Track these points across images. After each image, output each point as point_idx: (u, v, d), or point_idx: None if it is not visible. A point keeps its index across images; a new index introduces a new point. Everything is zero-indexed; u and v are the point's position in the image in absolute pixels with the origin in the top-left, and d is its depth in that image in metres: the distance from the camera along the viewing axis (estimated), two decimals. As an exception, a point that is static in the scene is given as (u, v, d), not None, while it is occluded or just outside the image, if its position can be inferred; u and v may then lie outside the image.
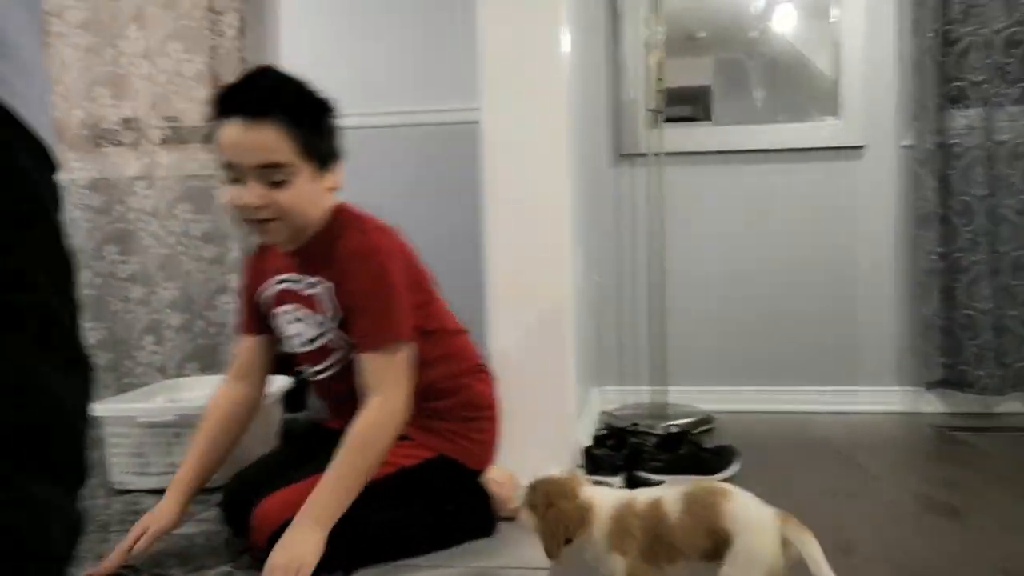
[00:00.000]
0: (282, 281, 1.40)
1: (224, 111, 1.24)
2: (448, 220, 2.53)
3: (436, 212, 2.54)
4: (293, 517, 1.19)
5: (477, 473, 1.41)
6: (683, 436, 1.67)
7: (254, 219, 1.27)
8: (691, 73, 2.51)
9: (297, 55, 2.58)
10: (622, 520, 0.99)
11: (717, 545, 0.93)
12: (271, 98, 1.25)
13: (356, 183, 2.53)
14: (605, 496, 1.04)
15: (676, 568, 0.96)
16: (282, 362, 1.51)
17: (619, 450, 1.64)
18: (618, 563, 0.98)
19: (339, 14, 2.56)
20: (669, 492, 1.00)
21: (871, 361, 2.49)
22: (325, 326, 1.34)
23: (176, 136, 2.58)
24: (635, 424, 1.86)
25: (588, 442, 1.83)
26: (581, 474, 1.12)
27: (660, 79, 2.26)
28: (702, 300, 2.52)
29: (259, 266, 1.46)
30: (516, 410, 1.66)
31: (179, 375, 2.55)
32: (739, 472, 1.68)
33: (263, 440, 1.95)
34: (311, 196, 1.30)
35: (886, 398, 2.48)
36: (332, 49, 2.57)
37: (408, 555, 1.29)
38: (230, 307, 2.56)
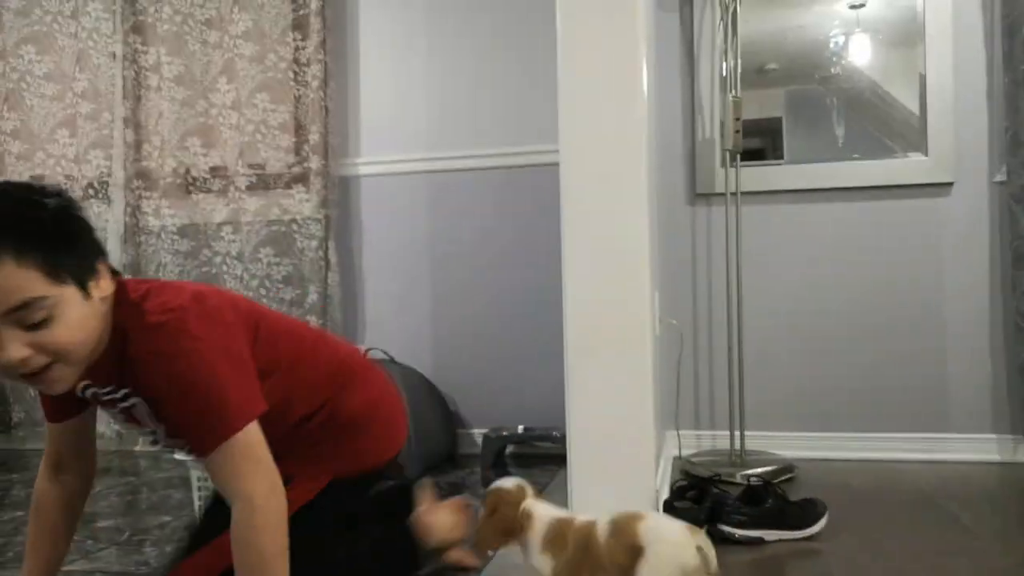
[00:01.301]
0: (88, 387, 1.13)
1: None
2: (530, 262, 2.55)
3: (518, 254, 2.57)
4: None
5: (380, 472, 1.34)
6: (768, 488, 1.62)
7: (27, 373, 0.99)
8: (761, 106, 2.48)
9: (378, 102, 2.67)
10: (559, 529, 1.19)
11: (633, 560, 1.09)
12: None
13: (439, 225, 2.61)
14: (545, 509, 1.24)
15: None
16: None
17: (700, 503, 1.60)
18: (547, 564, 1.17)
19: (419, 61, 2.64)
20: (601, 518, 1.18)
21: (963, 407, 2.37)
22: (158, 435, 1.17)
23: (260, 183, 2.69)
24: (717, 474, 1.82)
25: (665, 489, 1.79)
26: (529, 488, 1.27)
27: (737, 118, 2.24)
28: (781, 342, 2.45)
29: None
30: (593, 454, 1.65)
31: (260, 413, 2.62)
32: (827, 528, 1.61)
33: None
34: (84, 321, 1.01)
35: (980, 446, 2.35)
36: (413, 95, 2.64)
37: None
38: (309, 347, 2.62)
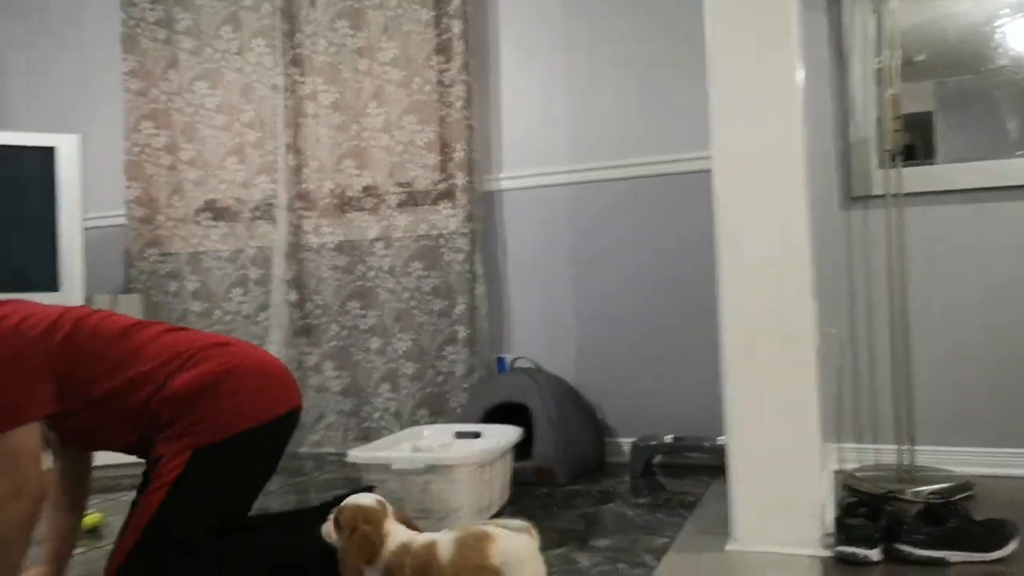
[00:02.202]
0: None
1: None
2: (675, 270, 2.53)
3: (662, 262, 2.56)
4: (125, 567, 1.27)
5: (249, 434, 1.35)
6: (949, 506, 1.52)
7: None
8: (908, 100, 2.34)
9: (520, 118, 2.74)
10: (398, 557, 1.13)
11: None
12: None
13: (582, 235, 2.64)
14: (397, 532, 1.16)
15: None
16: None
17: (875, 520, 1.53)
18: None
19: (559, 74, 2.68)
20: (444, 536, 1.13)
21: None
22: None
23: (409, 200, 2.81)
24: (890, 492, 1.73)
25: (830, 505, 1.72)
26: (387, 506, 1.20)
27: (896, 116, 2.13)
28: (950, 350, 2.30)
29: None
30: (754, 468, 1.61)
31: (412, 421, 2.74)
32: (1017, 551, 1.50)
33: (505, 487, 2.04)
34: None
35: None
36: (554, 109, 2.69)
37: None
38: (457, 357, 2.71)
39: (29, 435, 1.25)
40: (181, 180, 3.11)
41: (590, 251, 2.65)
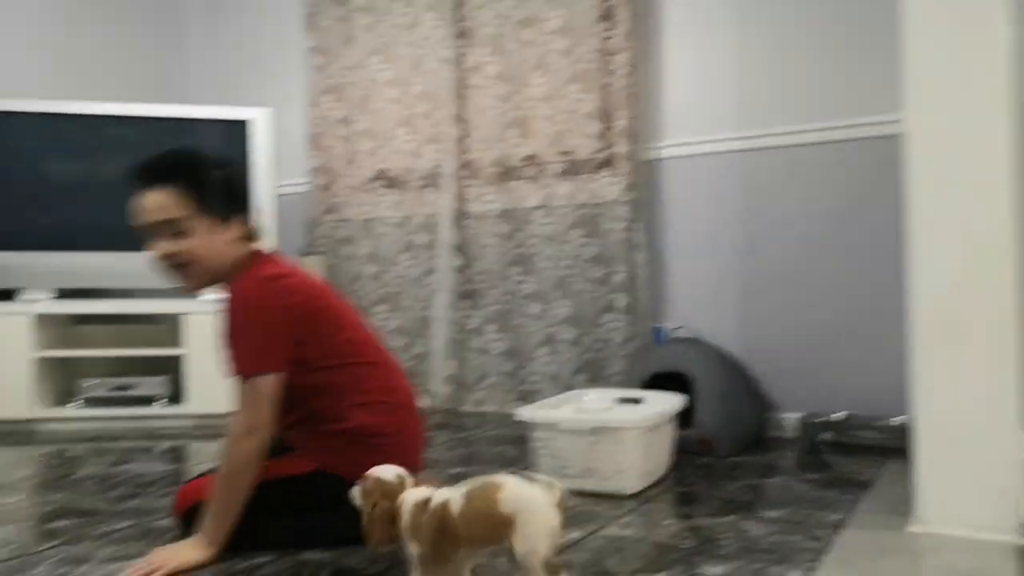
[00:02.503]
0: None
1: (132, 186, 1.49)
2: (855, 241, 2.43)
3: (841, 233, 2.46)
4: (201, 501, 1.43)
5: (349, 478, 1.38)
6: None
7: (170, 267, 1.50)
8: None
9: (683, 85, 2.70)
10: (416, 514, 1.18)
11: (499, 530, 1.10)
12: (161, 169, 1.48)
13: (750, 205, 2.58)
14: (412, 496, 1.21)
15: (459, 554, 1.15)
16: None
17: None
18: (414, 550, 1.18)
19: (727, 38, 2.62)
20: (455, 491, 1.17)
21: None
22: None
23: (571, 168, 2.86)
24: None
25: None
26: (407, 476, 1.25)
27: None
28: None
29: None
30: (943, 453, 1.54)
31: (569, 385, 2.81)
32: None
33: (667, 454, 2.06)
34: (211, 244, 1.49)
35: None
36: (721, 74, 2.63)
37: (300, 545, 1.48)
38: (615, 325, 2.75)
39: (276, 382, 1.45)
40: (355, 150, 3.31)
41: (760, 220, 2.59)
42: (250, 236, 1.55)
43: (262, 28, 3.61)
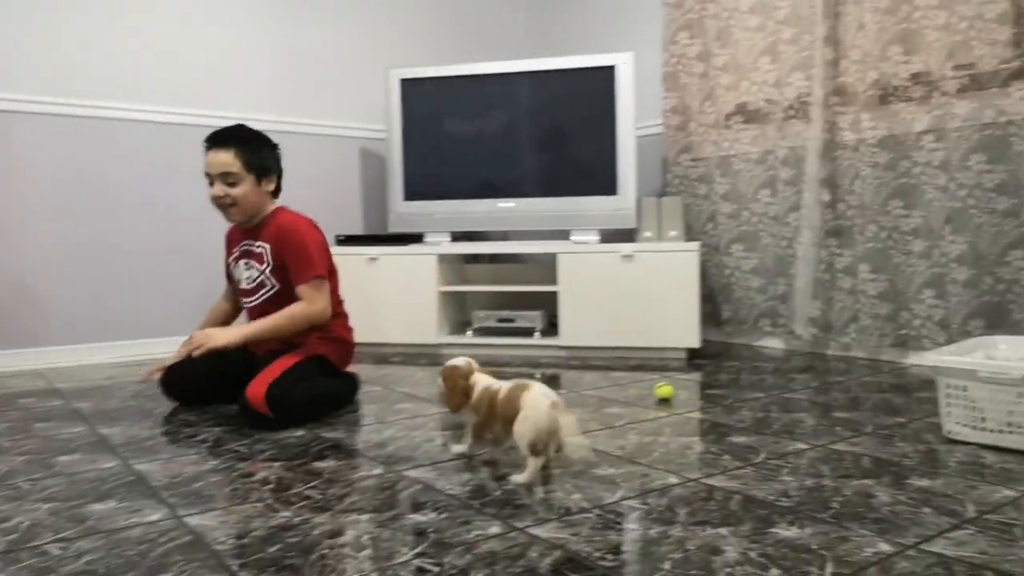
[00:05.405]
0: (242, 244, 2.26)
1: (207, 144, 2.15)
2: None
3: None
4: (271, 385, 1.94)
5: (339, 369, 2.24)
6: None
7: (221, 205, 2.15)
8: None
9: None
10: (480, 395, 1.56)
11: (513, 416, 1.47)
12: (228, 136, 2.14)
13: None
14: (483, 380, 1.58)
15: (496, 429, 1.53)
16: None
17: None
18: (472, 418, 1.59)
19: None
20: (505, 384, 1.54)
21: None
22: (263, 271, 2.19)
23: (972, 84, 2.48)
24: None
25: None
26: (473, 363, 1.62)
27: None
28: None
29: (230, 237, 2.35)
30: None
31: (963, 332, 2.50)
32: None
33: None
34: (253, 193, 2.16)
35: None
36: None
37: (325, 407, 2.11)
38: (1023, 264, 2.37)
39: (327, 283, 2.17)
40: (713, 86, 3.24)
41: None
42: (276, 193, 2.24)
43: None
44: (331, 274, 2.21)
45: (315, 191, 3.47)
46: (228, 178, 2.12)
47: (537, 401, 1.45)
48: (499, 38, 4.06)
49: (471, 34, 3.98)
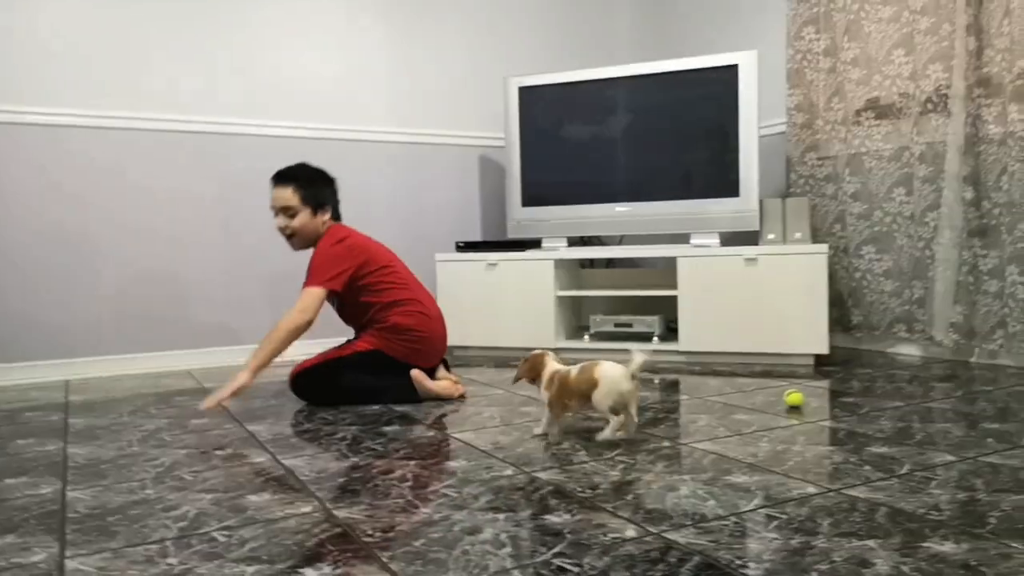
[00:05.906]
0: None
1: (272, 181, 2.41)
2: None
3: None
4: (304, 371, 2.35)
5: (403, 363, 2.38)
6: None
7: (284, 235, 2.42)
8: None
9: None
10: (552, 375, 1.86)
11: (590, 389, 1.77)
12: (288, 175, 2.40)
13: None
14: (553, 365, 1.88)
15: (573, 403, 1.82)
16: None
17: None
18: (546, 395, 1.86)
19: None
20: (575, 367, 1.83)
21: None
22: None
23: None
24: None
25: None
26: (549, 353, 1.92)
27: None
28: None
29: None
30: None
31: None
32: None
33: None
34: (308, 224, 2.40)
35: None
36: None
37: (367, 400, 2.34)
38: None
39: (322, 293, 2.31)
40: (841, 82, 3.12)
41: None
42: (333, 219, 2.45)
43: (735, -30, 3.59)
44: (360, 266, 2.36)
45: (436, 199, 3.58)
46: (288, 211, 2.38)
47: (614, 370, 1.78)
48: (612, 42, 4.06)
49: (584, 40, 3.99)
